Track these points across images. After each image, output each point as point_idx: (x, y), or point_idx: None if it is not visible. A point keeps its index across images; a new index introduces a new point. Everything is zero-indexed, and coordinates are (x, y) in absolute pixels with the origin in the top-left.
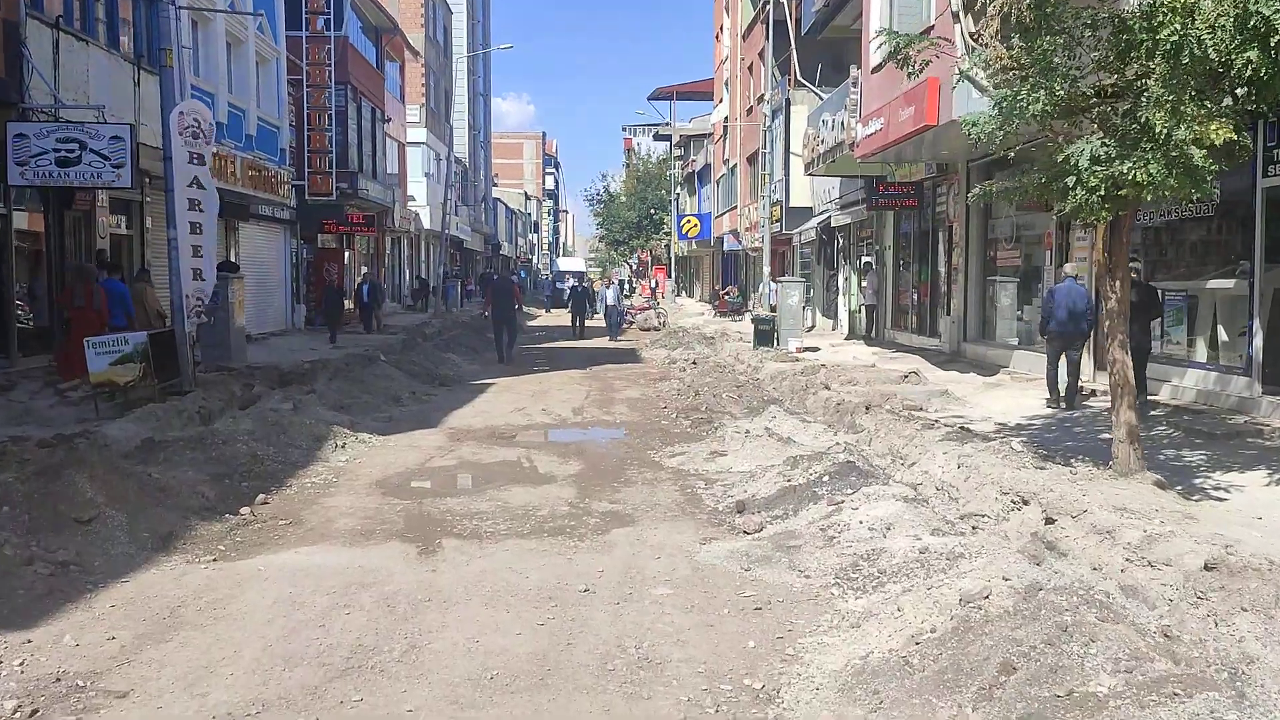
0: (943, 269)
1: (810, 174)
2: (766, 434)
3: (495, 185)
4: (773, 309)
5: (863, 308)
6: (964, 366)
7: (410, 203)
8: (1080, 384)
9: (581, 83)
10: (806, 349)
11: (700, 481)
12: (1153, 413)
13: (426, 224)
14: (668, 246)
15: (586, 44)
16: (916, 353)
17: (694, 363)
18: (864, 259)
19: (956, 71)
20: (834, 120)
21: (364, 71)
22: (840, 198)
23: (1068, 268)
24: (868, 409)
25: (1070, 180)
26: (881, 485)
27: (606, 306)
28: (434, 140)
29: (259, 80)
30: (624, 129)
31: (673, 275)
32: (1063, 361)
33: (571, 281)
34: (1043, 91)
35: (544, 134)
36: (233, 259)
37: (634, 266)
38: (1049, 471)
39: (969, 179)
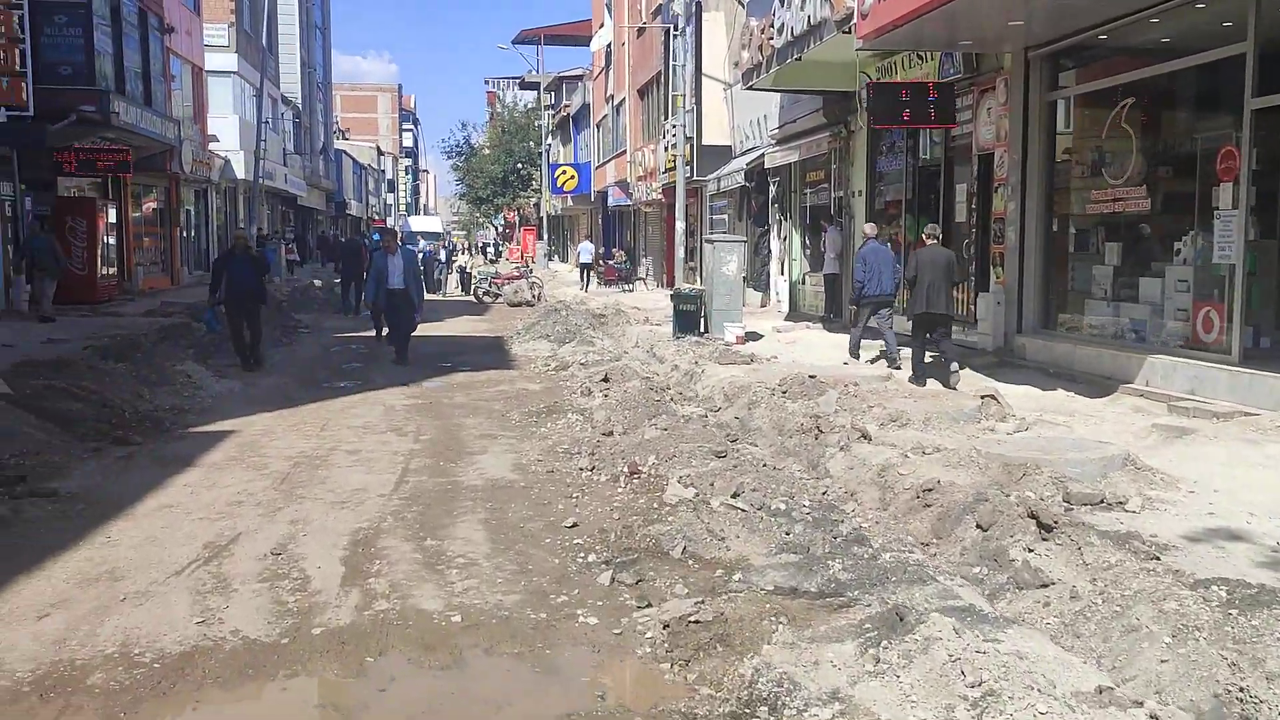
0: (965, 220)
1: (752, 87)
2: None
3: (345, 139)
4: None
5: (805, 276)
6: (1039, 376)
7: (213, 144)
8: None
9: (444, 38)
10: (747, 336)
11: None
12: None
13: (240, 173)
14: (537, 205)
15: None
16: None
17: (605, 378)
18: (806, 207)
19: None
20: None
21: None
22: (780, 128)
23: (867, 228)
24: (1046, 528)
25: None
26: None
27: (387, 291)
28: (249, 70)
29: None
30: (487, 81)
31: (544, 237)
32: None
33: (424, 245)
34: None
35: (400, 86)
36: None
37: (500, 228)
38: None
39: (1028, 76)
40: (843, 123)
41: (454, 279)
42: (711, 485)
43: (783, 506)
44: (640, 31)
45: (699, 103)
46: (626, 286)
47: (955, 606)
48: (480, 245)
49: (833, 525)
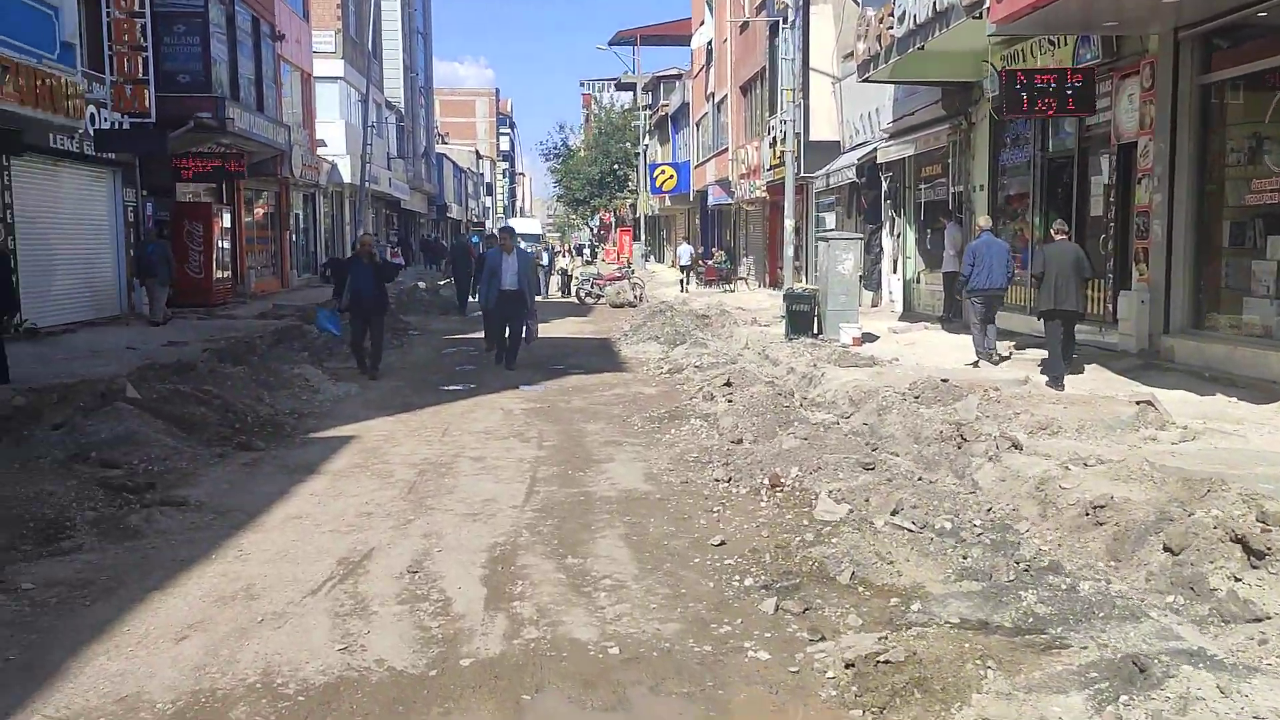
0: (1102, 213)
1: (869, 79)
2: None
3: (444, 143)
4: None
5: (920, 275)
6: (1192, 380)
7: (321, 149)
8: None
9: (540, 42)
10: (863, 337)
11: None
12: None
13: (347, 177)
14: (633, 206)
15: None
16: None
17: (727, 382)
18: (922, 204)
19: None
20: None
21: None
22: (894, 121)
23: (981, 221)
24: (1256, 554)
25: None
26: None
27: (500, 292)
28: (355, 76)
29: None
30: (582, 83)
31: (641, 237)
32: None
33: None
34: None
35: (497, 90)
36: None
37: (595, 230)
38: None
39: (1178, 58)
40: (963, 114)
41: (555, 280)
42: (866, 501)
43: (948, 525)
44: (744, 27)
45: (806, 97)
46: (727, 287)
47: (1182, 649)
48: (576, 247)
49: (1012, 548)
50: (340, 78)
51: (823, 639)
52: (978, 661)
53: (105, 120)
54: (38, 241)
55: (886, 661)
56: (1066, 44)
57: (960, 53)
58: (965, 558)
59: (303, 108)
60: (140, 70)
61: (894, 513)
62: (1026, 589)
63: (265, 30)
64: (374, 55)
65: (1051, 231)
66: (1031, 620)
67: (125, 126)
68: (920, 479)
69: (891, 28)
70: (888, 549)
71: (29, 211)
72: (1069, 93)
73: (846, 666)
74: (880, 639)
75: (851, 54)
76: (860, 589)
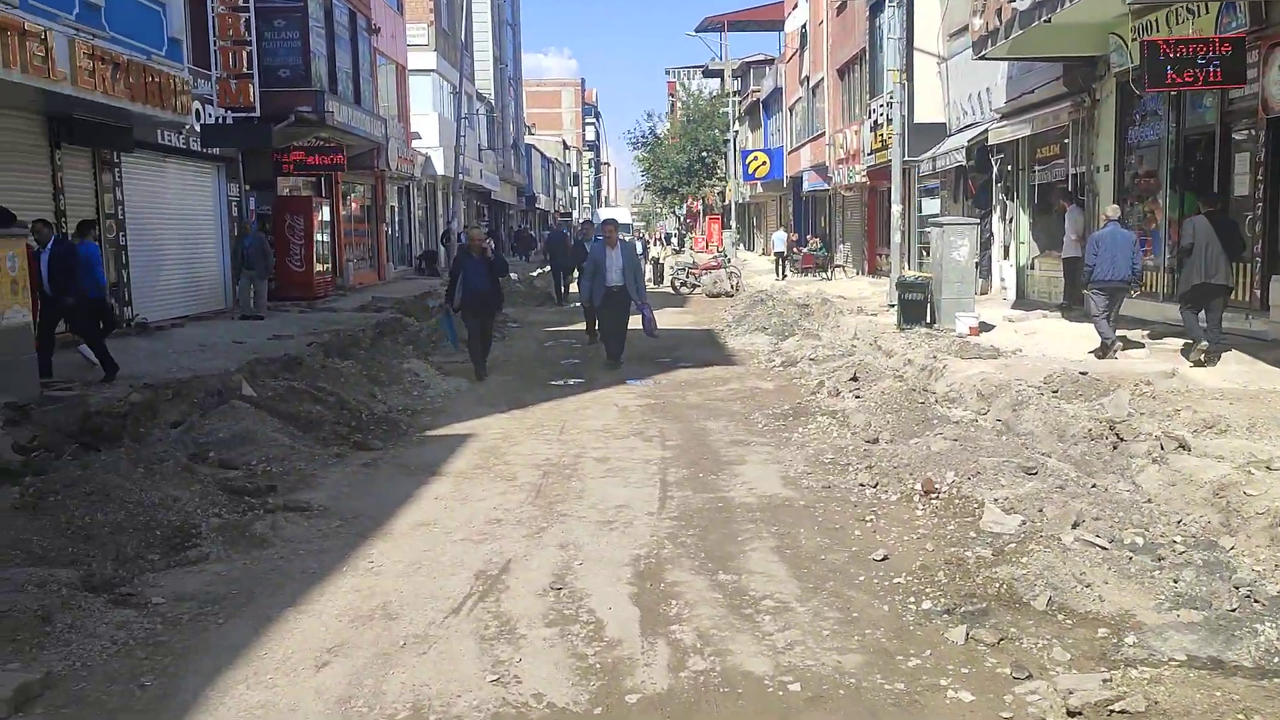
0: (1249, 192)
1: (985, 57)
2: None
3: (531, 133)
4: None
5: (1035, 261)
6: None
7: (415, 141)
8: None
9: (623, 31)
10: (981, 327)
11: None
12: None
13: (440, 169)
14: (721, 194)
15: None
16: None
17: (854, 377)
18: (1036, 187)
19: None
20: None
21: None
22: (1008, 101)
23: (1110, 210)
24: None
25: None
26: None
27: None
28: (447, 68)
29: None
30: (667, 71)
31: (730, 225)
32: None
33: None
34: None
35: (583, 80)
36: (107, 210)
37: (682, 218)
38: None
39: None
40: (1086, 91)
41: (648, 270)
42: (1040, 511)
43: (1140, 541)
44: (841, 8)
45: (910, 79)
46: (824, 275)
47: None
48: (664, 235)
49: (1226, 570)
50: (433, 70)
51: (1030, 677)
52: (1239, 716)
53: (210, 115)
54: (146, 236)
55: (1123, 712)
56: (1208, 11)
57: (1087, 25)
58: (1176, 581)
59: (397, 101)
60: (245, 65)
61: (1074, 525)
62: (1260, 621)
63: (362, 24)
64: (465, 47)
65: (1200, 204)
66: (1277, 660)
67: (229, 121)
68: (1094, 486)
69: (1013, 0)
70: (1081, 569)
71: (137, 207)
72: (1216, 63)
73: (1070, 715)
74: (1105, 681)
75: (959, 31)
76: (1060, 616)
